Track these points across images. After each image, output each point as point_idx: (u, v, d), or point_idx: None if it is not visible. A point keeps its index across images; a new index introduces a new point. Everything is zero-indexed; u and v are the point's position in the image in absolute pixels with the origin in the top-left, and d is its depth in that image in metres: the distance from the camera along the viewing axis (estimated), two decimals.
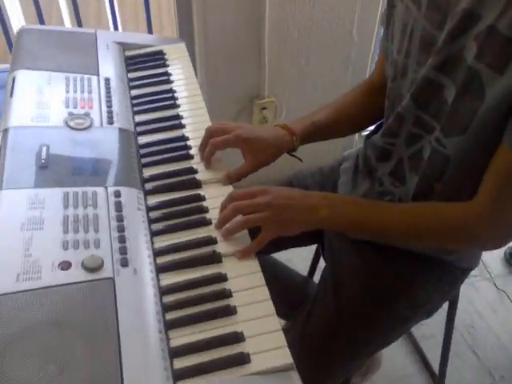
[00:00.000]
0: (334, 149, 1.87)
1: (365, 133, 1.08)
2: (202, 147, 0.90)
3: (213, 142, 0.88)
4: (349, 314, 0.91)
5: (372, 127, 1.03)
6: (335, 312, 0.92)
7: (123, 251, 0.72)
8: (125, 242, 0.73)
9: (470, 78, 0.68)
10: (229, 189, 0.86)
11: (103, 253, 0.71)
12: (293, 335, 0.94)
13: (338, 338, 0.92)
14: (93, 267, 0.68)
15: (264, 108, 1.72)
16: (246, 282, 0.72)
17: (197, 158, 0.91)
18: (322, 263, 1.36)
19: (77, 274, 0.67)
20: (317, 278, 1.36)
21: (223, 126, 0.90)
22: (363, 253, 0.93)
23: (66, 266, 0.68)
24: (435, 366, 1.42)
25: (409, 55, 0.78)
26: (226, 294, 0.70)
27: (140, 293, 0.68)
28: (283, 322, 1.29)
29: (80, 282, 0.67)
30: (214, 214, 0.81)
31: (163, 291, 0.70)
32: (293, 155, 0.96)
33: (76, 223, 0.74)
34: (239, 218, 0.77)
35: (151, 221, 0.80)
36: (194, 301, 0.69)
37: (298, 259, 1.54)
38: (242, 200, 0.79)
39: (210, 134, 0.90)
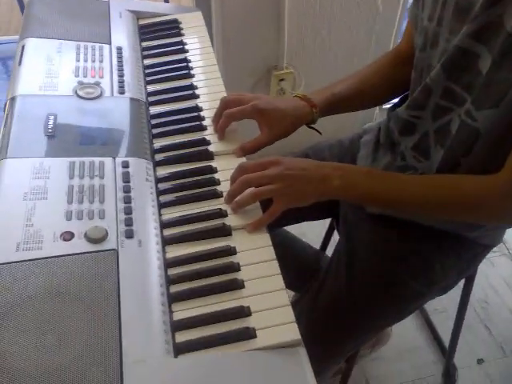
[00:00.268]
0: (353, 121, 1.81)
1: (388, 105, 1.02)
2: (216, 118, 0.86)
3: (228, 113, 0.84)
4: (362, 288, 0.88)
5: (396, 100, 0.97)
6: (347, 286, 0.88)
7: (129, 222, 0.69)
8: (131, 213, 0.70)
9: (508, 47, 0.63)
10: (242, 161, 0.82)
11: (108, 224, 0.68)
12: (301, 308, 0.92)
13: (348, 312, 0.88)
14: (96, 238, 0.66)
15: (282, 79, 1.66)
16: (255, 256, 0.69)
17: (210, 130, 0.88)
18: (335, 237, 1.33)
19: (79, 245, 0.65)
20: (329, 251, 1.33)
21: (239, 97, 0.87)
22: (379, 227, 0.89)
23: (68, 236, 0.66)
24: (445, 339, 1.38)
25: (441, 23, 0.73)
26: (234, 268, 0.67)
27: (144, 265, 0.65)
28: (292, 294, 1.27)
29: (82, 253, 0.64)
30: (225, 187, 0.78)
31: (168, 264, 0.68)
32: (312, 127, 0.92)
33: (81, 194, 0.72)
34: (250, 190, 0.74)
35: (160, 192, 0.77)
36: (200, 274, 0.66)
37: (311, 233, 1.51)
38: (252, 172, 0.75)
39: (225, 104, 0.86)
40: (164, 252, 0.69)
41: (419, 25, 0.81)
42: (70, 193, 0.71)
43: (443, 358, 1.39)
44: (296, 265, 1.20)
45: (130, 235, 0.67)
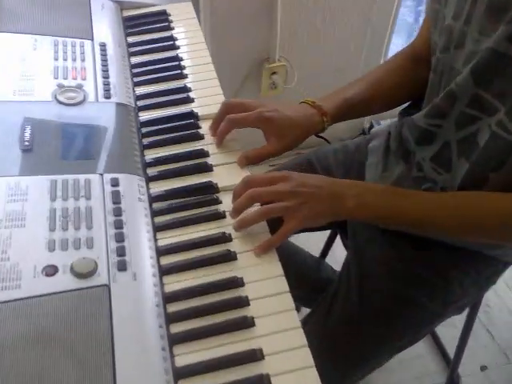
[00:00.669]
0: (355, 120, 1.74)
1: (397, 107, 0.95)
2: (217, 122, 0.77)
3: (231, 118, 0.75)
4: (375, 309, 0.81)
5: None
6: (360, 307, 0.81)
7: (121, 252, 0.60)
8: (123, 240, 0.62)
9: None
10: (246, 174, 0.74)
11: (97, 254, 0.60)
12: (310, 330, 0.84)
13: (360, 335, 0.82)
14: (84, 272, 0.57)
15: (274, 73, 1.58)
16: (265, 288, 0.62)
17: (207, 139, 0.79)
18: (335, 246, 1.26)
19: (64, 281, 0.56)
20: (329, 259, 1.27)
21: (243, 102, 0.78)
22: (393, 243, 0.82)
23: (51, 271, 0.57)
24: (447, 346, 1.34)
25: (469, 22, 0.65)
26: (243, 303, 0.60)
27: (140, 302, 0.57)
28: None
29: (68, 291, 0.56)
30: (227, 205, 0.70)
31: (168, 298, 0.59)
32: (320, 137, 0.84)
33: (65, 218, 0.63)
34: (259, 207, 0.66)
35: (154, 213, 0.68)
36: (205, 311, 0.59)
37: (308, 242, 1.43)
38: (259, 186, 0.67)
39: (226, 108, 0.77)
40: (162, 285, 0.61)
41: (440, 23, 0.73)
42: (52, 218, 0.62)
43: (446, 366, 1.34)
44: (296, 273, 1.13)
45: (122, 267, 0.59)
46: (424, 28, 0.86)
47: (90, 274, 0.57)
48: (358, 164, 0.94)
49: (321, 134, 0.82)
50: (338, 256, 1.29)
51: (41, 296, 0.55)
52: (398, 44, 1.76)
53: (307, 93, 1.67)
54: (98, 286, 0.56)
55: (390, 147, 0.89)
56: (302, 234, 1.04)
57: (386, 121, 1.36)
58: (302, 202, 0.65)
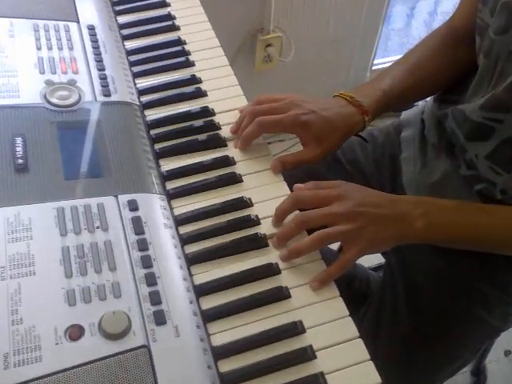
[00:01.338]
0: (343, 83, 1.63)
1: None
2: (244, 124, 0.66)
3: (263, 121, 0.64)
4: (428, 328, 0.73)
5: None
6: (411, 327, 0.73)
7: (156, 299, 0.50)
8: (156, 283, 0.51)
9: None
10: (280, 188, 0.63)
11: (127, 304, 0.49)
12: None
13: (413, 358, 0.74)
14: (116, 332, 0.46)
15: (269, 45, 1.45)
16: (330, 334, 0.53)
17: (231, 144, 0.68)
18: None
19: (94, 346, 0.46)
20: None
21: (274, 104, 0.66)
22: (441, 252, 0.73)
23: (76, 332, 0.46)
24: None
25: None
26: (308, 356, 0.50)
27: (187, 364, 0.47)
28: None
29: (100, 360, 0.45)
30: (267, 227, 0.59)
31: (218, 355, 0.49)
32: (359, 135, 0.74)
33: (82, 259, 0.51)
34: (313, 235, 0.56)
35: (184, 240, 0.58)
36: (266, 368, 0.49)
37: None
38: (310, 205, 0.57)
39: (255, 110, 0.66)
40: (208, 336, 0.51)
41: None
42: (66, 260, 0.51)
43: None
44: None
45: (161, 320, 0.48)
46: (465, 3, 0.75)
47: (124, 332, 0.47)
48: (389, 157, 0.84)
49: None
50: None
51: (68, 369, 0.44)
52: (400, 12, 1.66)
53: (304, 67, 1.57)
54: (135, 349, 0.46)
55: (426, 139, 0.79)
56: None
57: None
58: (362, 226, 0.56)
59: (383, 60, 1.78)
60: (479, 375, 1.26)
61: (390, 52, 1.95)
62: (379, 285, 0.82)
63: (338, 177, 0.80)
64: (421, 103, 0.86)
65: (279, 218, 0.59)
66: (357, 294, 1.02)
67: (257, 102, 0.67)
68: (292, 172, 0.87)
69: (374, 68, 1.72)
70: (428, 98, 0.83)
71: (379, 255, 0.90)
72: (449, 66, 0.75)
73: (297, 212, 0.59)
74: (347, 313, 0.53)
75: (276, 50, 1.45)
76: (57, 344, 0.45)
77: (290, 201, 0.58)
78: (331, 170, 0.85)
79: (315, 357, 0.50)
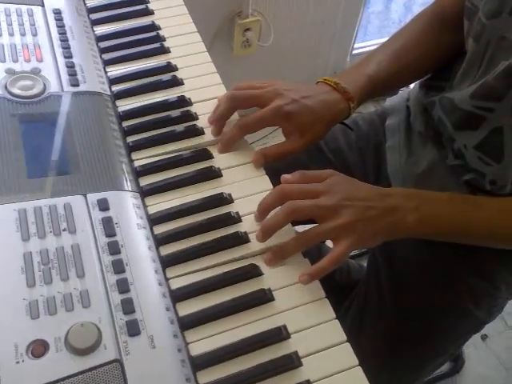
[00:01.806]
0: (323, 67, 1.59)
1: None
2: (221, 119, 0.62)
3: (242, 124, 0.60)
4: (413, 320, 0.71)
5: None
6: (396, 319, 0.71)
7: (128, 307, 0.46)
8: (128, 289, 0.47)
9: None
10: (262, 182, 0.60)
11: (97, 315, 0.45)
12: None
13: (398, 352, 0.72)
14: (85, 347, 0.43)
15: (247, 29, 1.40)
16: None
17: (208, 134, 0.64)
18: None
19: (59, 363, 0.42)
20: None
21: (254, 93, 0.62)
22: (430, 242, 0.71)
23: (39, 349, 0.42)
24: None
25: None
26: (293, 364, 0.47)
27: (165, 378, 0.43)
28: None
29: (67, 378, 0.41)
30: (248, 225, 0.56)
31: (197, 366, 0.46)
32: (343, 123, 0.70)
33: (46, 266, 0.47)
34: (303, 231, 0.53)
35: (159, 241, 0.54)
36: (251, 376, 0.46)
37: None
38: (296, 198, 0.54)
39: (233, 103, 0.62)
40: (186, 346, 0.47)
41: None
42: (28, 267, 0.47)
43: None
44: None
45: (135, 330, 0.45)
46: None
47: (94, 347, 0.43)
48: (374, 146, 0.81)
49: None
50: None
51: None
52: None
53: (284, 51, 1.52)
54: (106, 364, 0.42)
55: (412, 127, 0.76)
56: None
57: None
58: (352, 220, 0.53)
59: (363, 44, 1.74)
60: (457, 360, 1.26)
61: (369, 35, 1.92)
62: (364, 278, 0.79)
63: (321, 166, 0.77)
64: (405, 89, 0.83)
65: (262, 212, 0.55)
66: (338, 286, 0.99)
67: (235, 88, 0.63)
68: (273, 163, 0.84)
69: (354, 52, 1.68)
70: (412, 84, 0.80)
71: None
72: (435, 49, 0.72)
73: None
74: (334, 315, 0.50)
75: (255, 35, 1.41)
76: (17, 363, 0.41)
77: (274, 194, 0.55)
78: (313, 159, 0.81)
79: (301, 364, 0.47)
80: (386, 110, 0.83)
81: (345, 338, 0.48)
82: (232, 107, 0.61)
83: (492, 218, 0.58)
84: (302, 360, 0.47)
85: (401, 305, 0.71)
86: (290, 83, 0.64)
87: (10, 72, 0.63)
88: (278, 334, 0.48)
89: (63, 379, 0.41)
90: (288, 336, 0.48)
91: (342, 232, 0.53)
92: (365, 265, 0.93)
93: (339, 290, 0.97)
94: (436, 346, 0.72)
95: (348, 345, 0.48)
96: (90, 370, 0.42)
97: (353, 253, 1.25)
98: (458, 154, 0.67)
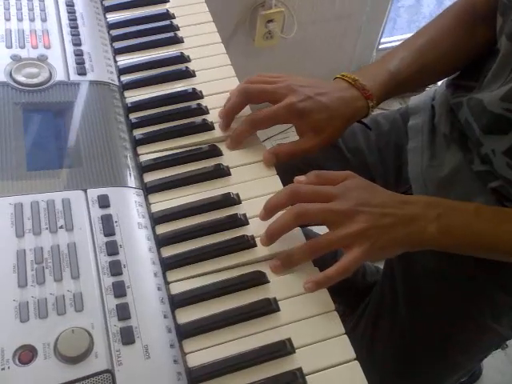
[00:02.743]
0: (347, 61, 1.54)
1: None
2: (231, 113, 0.59)
3: (254, 119, 0.57)
4: (429, 334, 0.67)
5: None
6: (410, 332, 0.68)
7: (124, 313, 0.43)
8: (125, 293, 0.44)
9: None
10: (272, 183, 0.56)
11: (90, 320, 0.42)
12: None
13: (412, 366, 0.68)
14: (74, 355, 0.40)
15: (270, 20, 1.36)
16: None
17: (219, 129, 0.60)
18: None
19: (47, 371, 0.39)
20: None
21: (267, 89, 0.59)
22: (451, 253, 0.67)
23: (27, 355, 0.40)
24: None
25: None
26: (288, 351, 0.44)
27: None
28: None
29: None
30: (255, 228, 0.52)
31: (194, 378, 0.43)
32: (361, 122, 0.66)
33: (39, 265, 0.45)
34: (308, 241, 0.50)
35: (160, 242, 0.51)
36: None
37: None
38: (306, 201, 0.51)
39: (245, 97, 0.59)
40: (184, 356, 0.44)
41: None
42: (20, 265, 0.44)
43: None
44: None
45: (129, 339, 0.42)
46: None
47: (84, 355, 0.40)
48: (395, 147, 0.77)
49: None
50: None
51: None
52: None
53: (307, 44, 1.48)
54: (96, 375, 0.40)
55: (436, 128, 0.72)
56: None
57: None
58: (366, 228, 0.49)
59: (391, 39, 1.68)
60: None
61: (398, 30, 1.85)
62: (378, 283, 0.75)
63: (338, 166, 0.73)
64: (432, 88, 0.79)
65: (269, 211, 0.52)
66: (352, 287, 0.96)
67: (247, 82, 0.60)
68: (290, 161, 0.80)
69: (380, 47, 1.63)
70: (439, 83, 0.76)
71: None
72: (465, 45, 0.67)
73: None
74: (343, 330, 0.46)
75: (277, 26, 1.37)
76: (3, 369, 0.39)
77: (285, 194, 0.51)
78: (330, 158, 0.78)
79: (305, 382, 0.43)
80: (410, 109, 0.78)
81: (354, 355, 0.45)
82: (243, 101, 0.58)
83: None
84: (307, 377, 0.44)
85: (416, 314, 0.67)
86: (306, 78, 0.60)
87: (15, 58, 0.60)
88: (282, 348, 0.45)
89: None
90: (293, 351, 0.45)
91: (354, 240, 0.49)
92: (381, 267, 0.90)
93: (352, 291, 0.94)
94: (451, 360, 0.68)
95: (357, 363, 0.45)
96: (79, 380, 0.39)
97: None
98: (485, 160, 0.62)
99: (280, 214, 0.51)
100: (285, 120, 0.57)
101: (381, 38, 1.60)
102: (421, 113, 0.76)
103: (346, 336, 0.46)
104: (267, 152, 0.58)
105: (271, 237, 0.51)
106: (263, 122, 0.57)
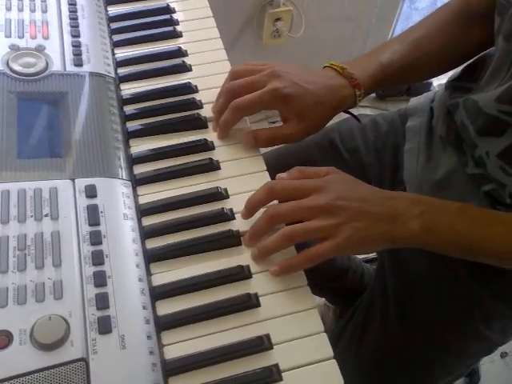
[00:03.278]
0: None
1: (442, 78, 0.77)
2: (221, 110, 0.59)
3: (237, 106, 0.57)
4: (419, 339, 0.67)
5: (456, 69, 0.72)
6: (401, 337, 0.67)
7: (103, 303, 0.43)
8: (105, 283, 0.45)
9: None
10: (262, 179, 0.56)
11: (68, 308, 0.43)
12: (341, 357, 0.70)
13: (400, 371, 0.68)
14: (49, 342, 0.40)
15: (278, 19, 1.36)
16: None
17: (211, 124, 0.61)
18: None
19: (21, 357, 0.40)
20: None
21: (251, 79, 0.59)
22: (444, 256, 0.66)
23: (3, 340, 0.40)
24: None
25: None
26: (265, 347, 0.44)
27: (131, 383, 0.41)
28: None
29: (26, 375, 0.39)
30: (241, 223, 0.53)
31: (170, 370, 0.43)
32: (349, 113, 0.66)
33: (22, 252, 0.45)
34: (283, 231, 0.50)
35: (145, 233, 0.51)
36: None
37: None
38: (286, 197, 0.51)
39: (230, 92, 0.58)
40: (161, 348, 0.44)
41: None
42: (3, 252, 0.45)
43: None
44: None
45: (106, 328, 0.42)
46: None
47: (60, 342, 0.40)
48: (392, 148, 0.76)
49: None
50: None
51: None
52: None
53: (314, 44, 1.47)
54: (70, 363, 0.40)
55: (433, 129, 0.71)
56: None
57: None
58: (343, 222, 0.49)
59: None
60: (472, 376, 1.20)
61: None
62: (370, 285, 0.75)
63: (334, 165, 0.73)
64: (432, 90, 0.78)
65: (250, 210, 0.52)
66: (349, 286, 0.95)
67: (233, 74, 0.60)
68: (285, 159, 0.80)
69: None
70: (437, 83, 0.75)
71: None
72: (459, 43, 0.66)
73: None
74: (322, 328, 0.46)
75: (285, 25, 1.36)
76: None
77: (263, 191, 0.51)
78: (327, 157, 0.78)
79: (281, 378, 0.43)
80: (409, 110, 0.77)
81: (332, 353, 0.45)
82: (230, 100, 0.58)
83: (506, 235, 0.53)
84: (283, 374, 0.43)
85: (406, 319, 0.67)
86: (293, 66, 0.60)
87: (13, 48, 0.61)
88: (260, 344, 0.45)
89: (23, 375, 0.39)
90: (270, 347, 0.45)
91: (328, 233, 0.49)
92: None
93: (347, 292, 0.94)
94: (440, 365, 0.67)
95: (334, 362, 0.44)
96: (53, 367, 0.39)
97: (371, 256, 1.21)
98: (479, 162, 0.62)
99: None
100: (269, 105, 0.57)
101: None
102: (419, 114, 0.75)
103: (324, 334, 0.46)
104: (247, 134, 0.58)
105: (251, 240, 0.51)
106: (247, 107, 0.57)
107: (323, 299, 1.22)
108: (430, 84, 1.48)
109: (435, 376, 0.68)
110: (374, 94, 1.69)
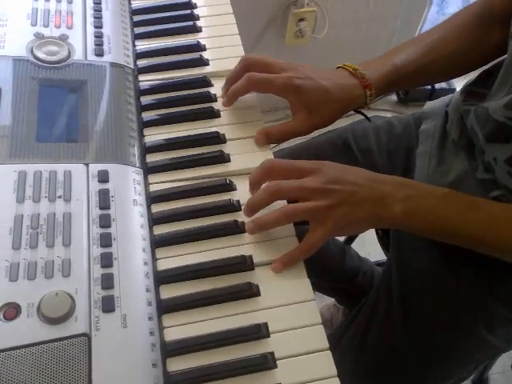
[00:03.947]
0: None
1: (458, 81, 0.77)
2: (231, 80, 0.61)
3: (252, 77, 0.59)
4: (421, 341, 0.67)
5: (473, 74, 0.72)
6: (403, 339, 0.67)
7: (108, 283, 0.45)
8: (111, 264, 0.46)
9: None
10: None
11: (75, 286, 0.44)
12: (342, 355, 0.71)
13: (402, 372, 0.68)
14: (55, 316, 0.42)
15: (302, 19, 1.36)
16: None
17: (224, 117, 0.62)
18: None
19: (28, 328, 0.42)
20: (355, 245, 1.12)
21: (268, 60, 0.61)
22: (447, 257, 0.66)
23: (11, 312, 0.42)
24: None
25: None
26: (262, 335, 0.46)
27: (131, 361, 0.42)
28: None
29: (30, 346, 0.41)
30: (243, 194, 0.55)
31: (169, 351, 0.45)
32: (359, 112, 0.67)
33: (35, 230, 0.47)
34: (283, 208, 0.52)
35: (154, 220, 0.53)
36: (221, 371, 0.44)
37: None
38: (284, 177, 0.52)
39: (246, 64, 0.60)
40: (161, 330, 0.46)
41: None
42: (17, 229, 0.47)
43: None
44: (317, 261, 0.99)
45: (109, 307, 0.44)
46: None
47: (64, 317, 0.42)
48: (405, 151, 0.77)
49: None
50: (366, 240, 1.14)
51: None
52: None
53: (337, 46, 1.48)
54: (73, 337, 0.42)
55: (447, 133, 0.72)
56: None
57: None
58: (334, 204, 0.50)
59: None
60: None
61: None
62: (376, 286, 0.75)
63: (346, 164, 0.74)
64: (448, 95, 0.78)
65: (251, 187, 0.54)
66: (359, 288, 0.96)
67: (250, 63, 0.61)
68: (298, 156, 0.81)
69: None
70: (451, 86, 0.75)
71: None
72: (478, 46, 0.66)
73: None
74: (319, 320, 0.47)
75: (309, 26, 1.37)
76: None
77: (261, 169, 0.53)
78: (339, 155, 0.78)
79: (275, 366, 0.44)
80: (424, 114, 0.78)
81: (327, 345, 0.46)
82: (246, 70, 0.59)
83: (488, 222, 0.53)
84: (278, 362, 0.44)
85: (409, 318, 0.67)
86: (309, 65, 0.61)
87: (38, 36, 0.63)
88: (257, 332, 0.46)
89: (28, 346, 0.41)
90: (267, 335, 0.46)
91: (319, 216, 0.51)
92: None
93: (357, 293, 0.94)
94: (442, 369, 0.67)
95: (329, 353, 0.45)
96: (57, 340, 0.41)
97: (381, 259, 1.20)
98: (488, 168, 0.62)
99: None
100: (280, 91, 0.59)
101: None
102: (433, 118, 0.75)
103: (321, 326, 0.47)
104: (258, 132, 0.59)
105: (249, 211, 0.52)
106: (261, 82, 0.59)
107: (333, 300, 1.22)
108: (454, 90, 1.48)
109: (435, 378, 0.69)
110: (395, 99, 1.68)
